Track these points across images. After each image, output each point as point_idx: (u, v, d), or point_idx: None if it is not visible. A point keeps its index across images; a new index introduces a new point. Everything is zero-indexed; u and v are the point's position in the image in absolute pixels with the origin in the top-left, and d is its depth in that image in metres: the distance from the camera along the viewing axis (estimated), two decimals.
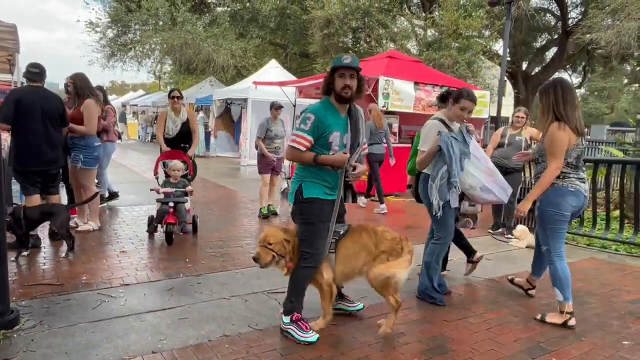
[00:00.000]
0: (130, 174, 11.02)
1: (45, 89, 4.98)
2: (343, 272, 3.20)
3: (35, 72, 4.75)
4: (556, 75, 18.16)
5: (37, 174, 4.77)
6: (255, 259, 3.09)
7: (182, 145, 5.97)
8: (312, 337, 3.01)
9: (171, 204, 5.21)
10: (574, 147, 3.40)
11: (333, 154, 3.09)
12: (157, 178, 5.72)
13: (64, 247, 4.73)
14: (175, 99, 5.93)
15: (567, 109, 3.34)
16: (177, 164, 5.51)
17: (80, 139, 5.32)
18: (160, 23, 17.05)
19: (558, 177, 3.43)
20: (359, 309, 3.53)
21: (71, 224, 5.62)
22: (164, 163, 5.71)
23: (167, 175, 5.67)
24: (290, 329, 3.06)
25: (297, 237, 3.15)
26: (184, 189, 5.45)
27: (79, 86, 5.32)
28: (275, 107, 6.99)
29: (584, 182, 3.50)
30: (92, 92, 5.43)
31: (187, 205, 5.60)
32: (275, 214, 7.09)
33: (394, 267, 3.07)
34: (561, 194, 3.43)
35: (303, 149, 3.05)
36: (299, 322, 3.06)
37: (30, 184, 4.75)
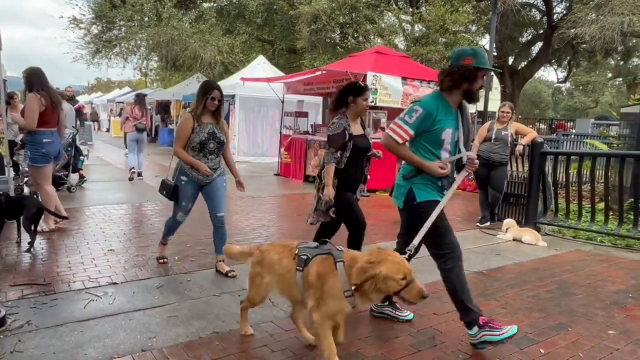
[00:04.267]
0: (117, 172, 10.90)
1: None
2: None
3: None
4: (542, 69, 18.34)
5: None
6: None
7: None
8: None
9: None
10: None
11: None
12: None
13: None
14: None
15: None
16: None
17: (28, 135, 5.19)
18: (146, 19, 16.85)
19: None
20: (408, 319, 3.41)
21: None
22: None
23: None
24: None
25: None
26: None
27: (30, 81, 5.09)
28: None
29: None
30: (43, 88, 5.12)
31: None
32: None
33: None
34: None
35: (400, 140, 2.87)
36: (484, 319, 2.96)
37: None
